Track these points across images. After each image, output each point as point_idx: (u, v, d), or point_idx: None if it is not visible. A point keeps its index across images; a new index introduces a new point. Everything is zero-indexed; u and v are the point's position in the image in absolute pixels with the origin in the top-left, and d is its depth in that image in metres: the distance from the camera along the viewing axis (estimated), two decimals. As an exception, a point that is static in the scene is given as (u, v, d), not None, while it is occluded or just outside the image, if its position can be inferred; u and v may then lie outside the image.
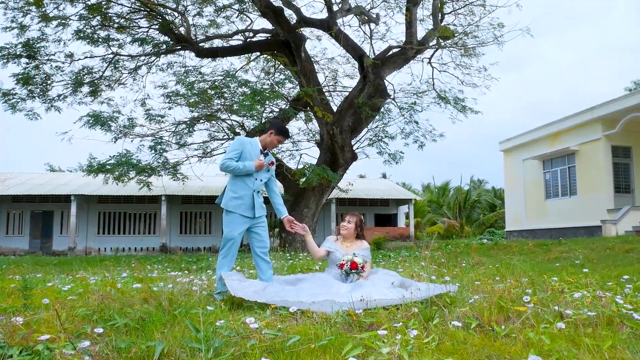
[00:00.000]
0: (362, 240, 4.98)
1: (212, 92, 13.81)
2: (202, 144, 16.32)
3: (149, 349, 2.43)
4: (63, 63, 14.79)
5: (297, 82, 15.14)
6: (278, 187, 4.88)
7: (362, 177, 35.81)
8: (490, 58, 51.34)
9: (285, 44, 13.97)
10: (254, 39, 15.66)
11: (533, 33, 15.08)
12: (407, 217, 28.78)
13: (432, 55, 16.05)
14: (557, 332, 2.95)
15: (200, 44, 15.24)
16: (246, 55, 16.52)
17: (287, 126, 15.37)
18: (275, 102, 13.54)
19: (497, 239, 15.83)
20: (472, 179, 41.34)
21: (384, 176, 41.59)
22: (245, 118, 14.17)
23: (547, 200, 19.36)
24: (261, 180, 4.51)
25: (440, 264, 8.74)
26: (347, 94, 16.36)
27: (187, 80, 14.42)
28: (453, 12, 15.99)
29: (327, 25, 13.78)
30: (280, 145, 16.48)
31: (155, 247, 25.46)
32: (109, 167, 13.73)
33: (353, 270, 4.62)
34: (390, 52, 14.49)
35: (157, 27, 14.72)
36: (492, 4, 15.02)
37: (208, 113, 14.79)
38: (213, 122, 15.57)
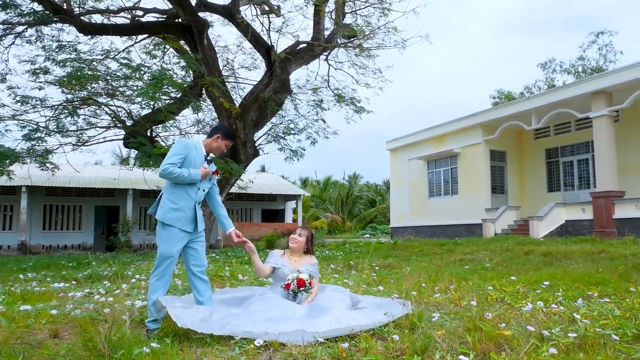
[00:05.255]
0: (311, 255, 4.61)
1: (90, 73, 12.13)
2: (77, 131, 14.38)
3: None
4: None
5: (191, 70, 14.00)
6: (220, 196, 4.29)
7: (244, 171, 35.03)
8: (382, 61, 53.80)
9: (185, 28, 12.81)
10: (150, 20, 14.14)
11: (406, 38, 15.50)
12: (295, 212, 28.78)
13: (329, 53, 15.91)
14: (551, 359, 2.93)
15: (82, 17, 13.35)
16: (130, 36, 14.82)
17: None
18: (174, 90, 12.28)
19: (394, 239, 16.34)
20: (352, 174, 42.84)
21: (263, 169, 41.07)
22: (140, 106, 12.77)
23: (430, 199, 20.52)
24: (203, 191, 4.00)
25: (355, 267, 8.65)
26: (244, 85, 15.63)
27: (59, 57, 12.49)
28: (352, 12, 16.01)
29: (230, 13, 12.92)
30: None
31: (12, 245, 22.25)
32: None
33: (301, 289, 4.27)
34: (298, 48, 14.07)
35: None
36: (391, 8, 15.17)
37: (84, 96, 13.03)
38: (90, 106, 13.80)
